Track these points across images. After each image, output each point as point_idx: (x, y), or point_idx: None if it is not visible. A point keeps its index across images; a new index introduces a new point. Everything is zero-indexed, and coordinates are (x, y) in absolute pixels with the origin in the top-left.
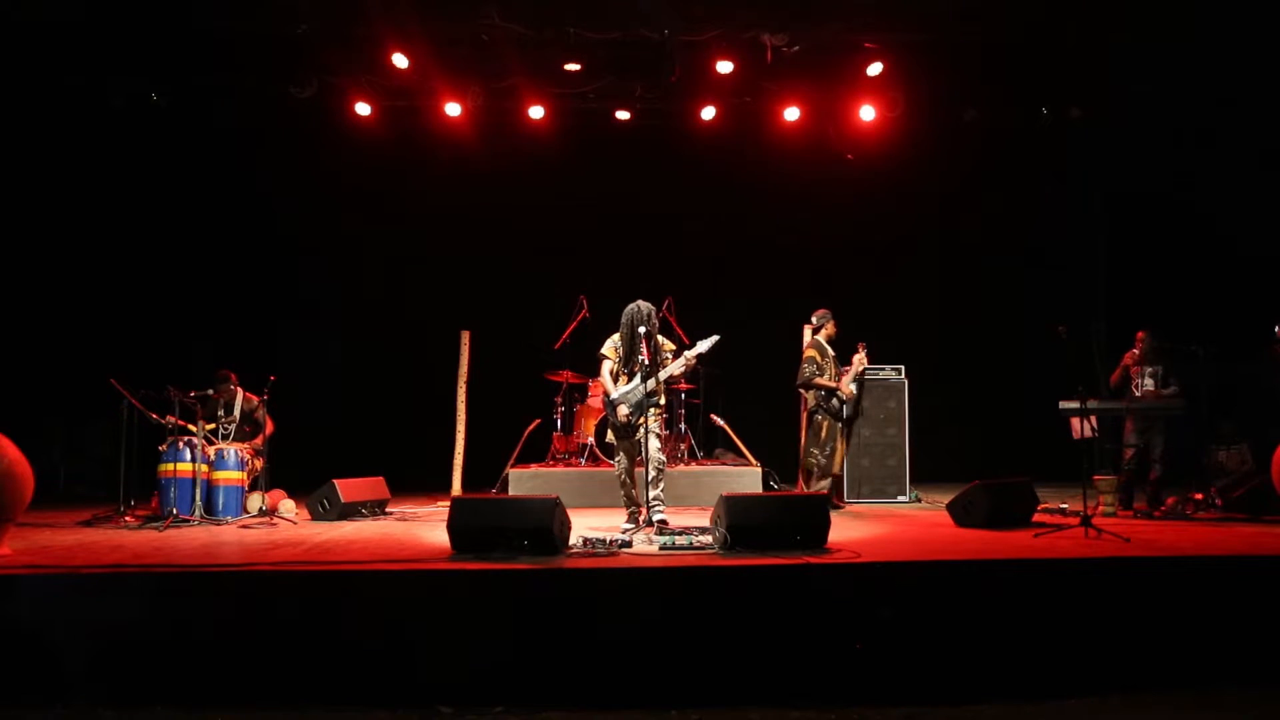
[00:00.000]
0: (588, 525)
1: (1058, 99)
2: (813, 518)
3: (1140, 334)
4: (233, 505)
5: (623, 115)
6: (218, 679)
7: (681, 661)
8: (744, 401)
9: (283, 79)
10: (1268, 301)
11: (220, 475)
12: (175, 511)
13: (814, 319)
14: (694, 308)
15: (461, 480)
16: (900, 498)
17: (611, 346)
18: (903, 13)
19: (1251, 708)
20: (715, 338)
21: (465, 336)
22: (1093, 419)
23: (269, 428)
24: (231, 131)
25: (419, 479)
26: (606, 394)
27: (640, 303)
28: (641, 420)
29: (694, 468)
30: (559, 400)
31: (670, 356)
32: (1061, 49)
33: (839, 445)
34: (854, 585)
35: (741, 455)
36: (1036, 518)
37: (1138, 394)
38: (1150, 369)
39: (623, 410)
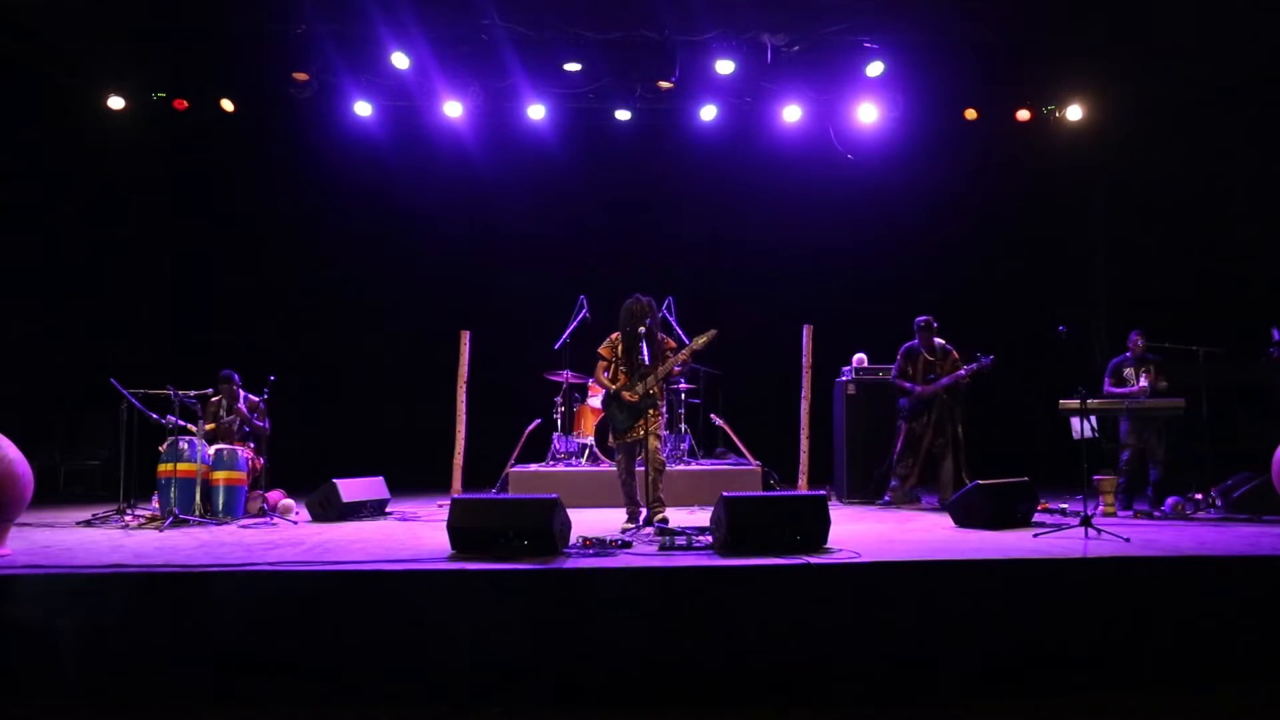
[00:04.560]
0: (588, 525)
1: (1058, 99)
2: (813, 518)
3: (1134, 335)
4: (233, 505)
5: (623, 115)
6: (218, 679)
7: (681, 661)
8: (744, 401)
9: (283, 79)
10: (1268, 302)
11: (220, 475)
12: (175, 511)
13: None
14: (694, 307)
15: (461, 480)
16: (887, 494)
17: (608, 345)
18: (903, 13)
19: (1251, 707)
20: (713, 332)
21: (465, 336)
22: (1093, 419)
23: (266, 429)
24: (231, 131)
25: (419, 479)
26: (607, 392)
27: (639, 297)
28: (641, 420)
29: (694, 468)
30: (559, 400)
31: (670, 354)
32: (1061, 49)
33: (898, 448)
34: (854, 585)
35: (741, 455)
36: (1036, 518)
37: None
38: (1142, 369)
39: (620, 410)
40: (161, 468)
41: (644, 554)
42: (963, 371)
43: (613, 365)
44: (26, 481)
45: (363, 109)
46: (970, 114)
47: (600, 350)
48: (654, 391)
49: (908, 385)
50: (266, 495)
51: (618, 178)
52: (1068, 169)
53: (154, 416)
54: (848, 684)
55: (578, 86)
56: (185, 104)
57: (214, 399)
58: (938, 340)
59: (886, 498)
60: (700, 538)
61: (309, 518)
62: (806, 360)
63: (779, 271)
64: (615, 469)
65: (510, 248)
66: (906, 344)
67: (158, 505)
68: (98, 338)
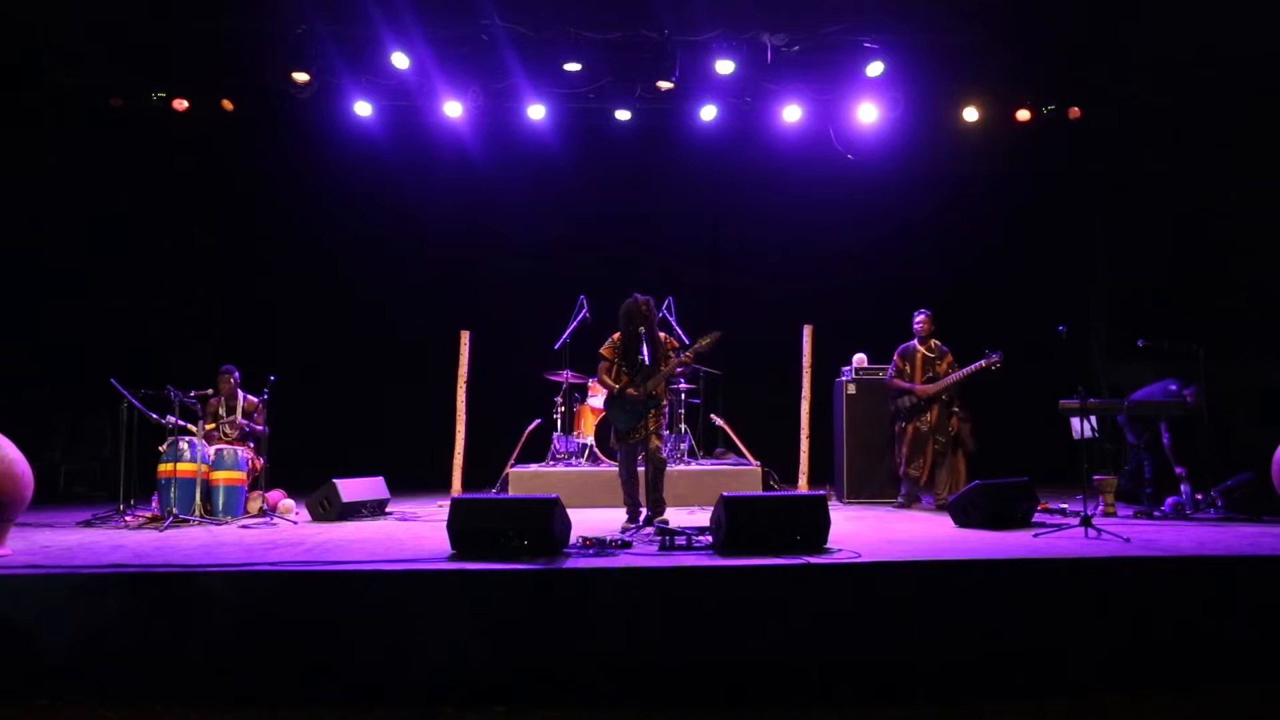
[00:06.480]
0: (588, 525)
1: (1058, 99)
2: (813, 518)
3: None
4: (233, 505)
5: (623, 115)
6: (218, 679)
7: (681, 661)
8: (744, 401)
9: (282, 79)
10: (1268, 302)
11: (220, 475)
12: (175, 511)
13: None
14: (695, 307)
15: (461, 480)
16: (900, 498)
17: (610, 345)
18: (903, 13)
19: (1251, 707)
20: (717, 334)
21: (465, 336)
22: (1093, 419)
23: (265, 433)
24: (231, 131)
25: (419, 479)
26: (609, 392)
27: (638, 296)
28: (643, 420)
29: (694, 468)
30: (559, 400)
31: (673, 354)
32: (1062, 49)
33: (904, 449)
34: (854, 585)
35: (741, 455)
36: (1036, 518)
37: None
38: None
39: (622, 410)
40: (161, 468)
41: (644, 554)
42: (971, 368)
43: (614, 365)
44: (26, 481)
45: (363, 109)
46: (970, 114)
47: (602, 350)
48: (657, 392)
49: (907, 385)
50: (266, 495)
51: (618, 178)
52: (1067, 169)
53: (154, 416)
54: (848, 684)
55: (578, 86)
56: (185, 104)
57: (214, 399)
58: (935, 341)
59: (900, 500)
60: (700, 538)
61: (309, 518)
62: (807, 360)
63: (779, 271)
64: (616, 469)
65: (510, 248)
66: (903, 344)
67: (158, 505)
68: (98, 338)
